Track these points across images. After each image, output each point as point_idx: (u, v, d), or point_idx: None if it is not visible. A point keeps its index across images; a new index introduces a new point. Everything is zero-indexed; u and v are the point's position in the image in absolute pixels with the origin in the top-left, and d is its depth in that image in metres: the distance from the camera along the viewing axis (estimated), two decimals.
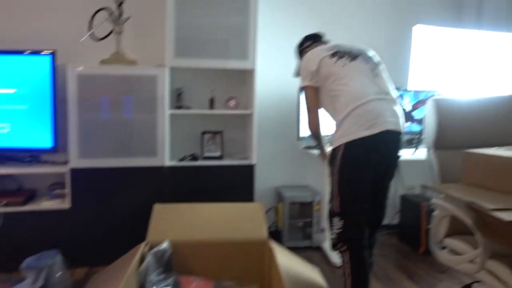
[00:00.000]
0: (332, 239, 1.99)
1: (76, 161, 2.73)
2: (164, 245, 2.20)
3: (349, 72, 2.03)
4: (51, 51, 2.81)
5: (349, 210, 1.94)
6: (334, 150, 1.98)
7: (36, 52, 2.80)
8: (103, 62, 2.83)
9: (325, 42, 2.37)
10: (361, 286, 1.91)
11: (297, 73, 2.28)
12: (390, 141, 1.97)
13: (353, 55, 2.09)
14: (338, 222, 1.94)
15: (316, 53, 2.15)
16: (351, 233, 1.93)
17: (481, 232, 1.67)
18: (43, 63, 2.80)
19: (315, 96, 2.13)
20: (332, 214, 1.98)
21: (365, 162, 1.93)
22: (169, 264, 2.21)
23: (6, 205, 2.65)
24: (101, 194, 2.79)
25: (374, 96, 1.96)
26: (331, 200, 1.99)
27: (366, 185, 1.95)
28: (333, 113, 2.08)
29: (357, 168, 1.93)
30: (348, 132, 1.91)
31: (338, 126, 1.99)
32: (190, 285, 2.06)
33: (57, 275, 2.11)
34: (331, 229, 1.99)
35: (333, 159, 1.98)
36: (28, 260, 2.13)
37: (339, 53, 2.09)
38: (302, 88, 2.16)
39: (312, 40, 2.38)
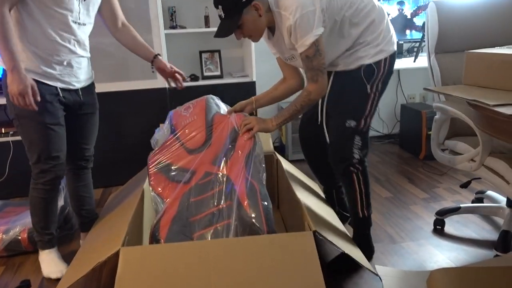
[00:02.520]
0: (352, 158, 1.82)
1: None
2: None
3: None
4: None
5: (368, 128, 1.86)
6: (371, 66, 1.77)
7: None
8: None
9: None
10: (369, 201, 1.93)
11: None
12: None
13: None
14: (358, 142, 1.81)
15: None
16: (367, 151, 1.86)
17: (482, 129, 1.72)
18: None
19: None
20: (354, 133, 1.81)
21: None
22: None
23: (14, 134, 2.68)
24: (108, 118, 2.81)
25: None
26: (355, 118, 1.80)
27: None
28: (350, 40, 1.78)
29: (387, 84, 1.87)
30: (386, 46, 1.79)
31: (370, 41, 1.78)
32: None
33: None
34: (352, 147, 1.81)
35: (371, 75, 1.78)
36: None
37: None
38: (313, 43, 1.62)
39: None
